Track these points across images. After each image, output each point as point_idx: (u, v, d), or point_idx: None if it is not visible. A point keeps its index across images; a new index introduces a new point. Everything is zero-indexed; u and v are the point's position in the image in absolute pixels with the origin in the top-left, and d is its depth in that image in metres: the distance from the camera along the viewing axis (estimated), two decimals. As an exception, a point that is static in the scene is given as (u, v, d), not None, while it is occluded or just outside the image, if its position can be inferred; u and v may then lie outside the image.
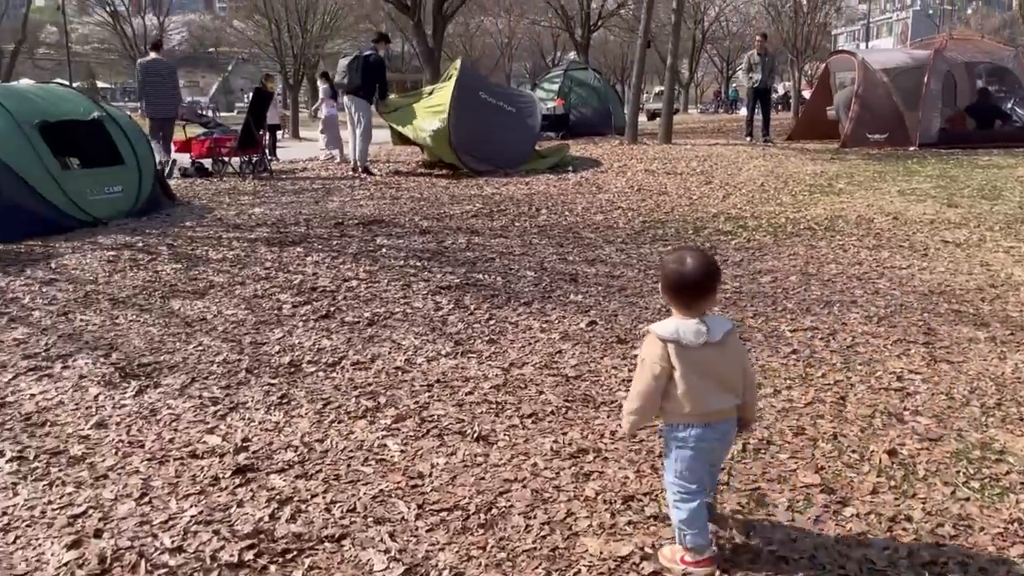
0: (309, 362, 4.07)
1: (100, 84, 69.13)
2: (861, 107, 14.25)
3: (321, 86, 15.76)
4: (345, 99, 11.78)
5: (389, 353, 4.19)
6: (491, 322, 4.71)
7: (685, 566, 2.31)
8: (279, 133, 18.31)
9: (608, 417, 3.38)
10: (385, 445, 3.14)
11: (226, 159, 11.96)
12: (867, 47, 51.50)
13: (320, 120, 15.21)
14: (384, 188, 10.40)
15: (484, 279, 5.66)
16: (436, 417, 3.39)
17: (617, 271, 5.87)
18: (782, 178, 10.54)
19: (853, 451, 3.06)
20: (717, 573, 2.32)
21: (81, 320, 4.77)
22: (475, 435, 3.21)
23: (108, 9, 41.06)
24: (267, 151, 12.96)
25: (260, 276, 5.76)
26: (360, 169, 11.82)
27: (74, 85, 41.50)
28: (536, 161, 12.04)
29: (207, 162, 12.26)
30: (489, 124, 11.50)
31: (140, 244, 6.83)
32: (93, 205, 7.66)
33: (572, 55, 35.69)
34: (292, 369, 3.97)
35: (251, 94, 12.25)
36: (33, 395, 3.64)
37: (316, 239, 7.03)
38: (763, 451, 3.07)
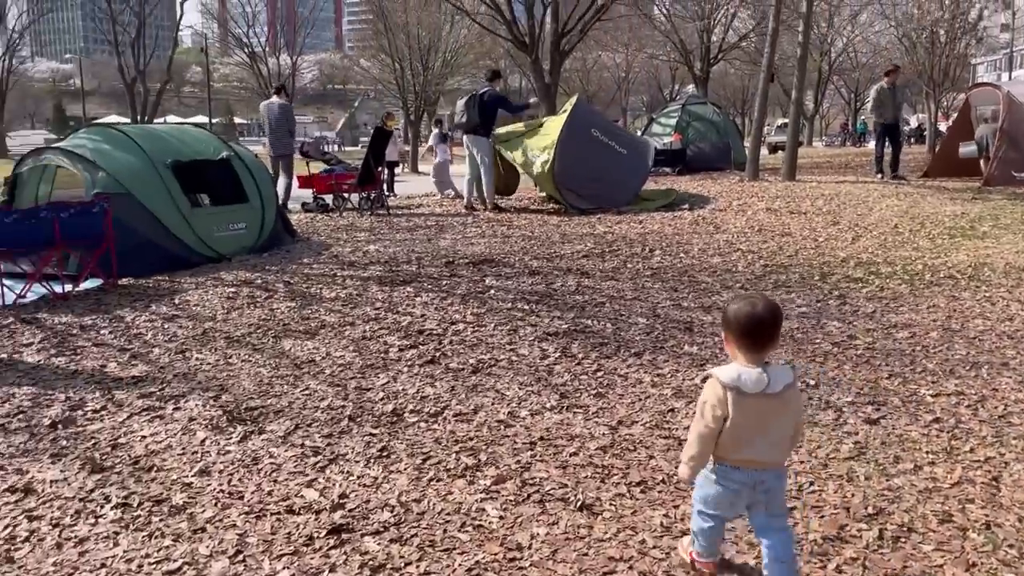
0: (411, 411, 3.98)
1: (237, 120, 73.36)
2: (1007, 143, 13.26)
3: (433, 131, 16.05)
4: (465, 139, 11.88)
5: (492, 404, 4.05)
6: (599, 374, 4.50)
7: (692, 558, 2.58)
8: (397, 169, 18.74)
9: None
10: (484, 510, 2.99)
11: (346, 195, 12.27)
12: (1010, 78, 48.44)
13: (432, 163, 15.34)
14: (496, 225, 10.38)
15: (593, 325, 5.46)
16: (538, 480, 3.21)
17: (735, 320, 5.55)
18: (918, 219, 9.87)
19: (1010, 545, 2.68)
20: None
21: (197, 359, 4.87)
22: (579, 503, 3.01)
23: (247, 50, 43.63)
24: (385, 188, 13.22)
25: (370, 317, 5.77)
26: (489, 206, 11.87)
27: (213, 121, 44.23)
28: (641, 203, 11.77)
29: (328, 198, 12.63)
30: (597, 163, 11.36)
31: (259, 281, 7.01)
32: (218, 241, 7.95)
33: (690, 88, 35.20)
34: (394, 418, 3.89)
35: (372, 131, 12.55)
36: (144, 437, 3.69)
37: (426, 278, 7.03)
38: (903, 539, 2.73)
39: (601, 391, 4.23)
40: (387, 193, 13.28)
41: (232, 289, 6.70)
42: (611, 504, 3.01)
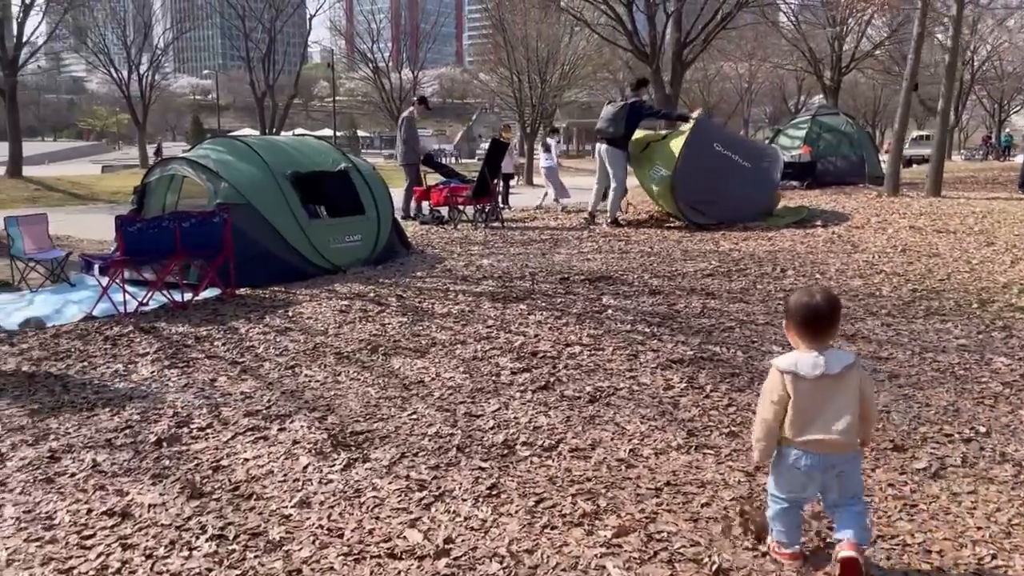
0: (523, 443, 3.67)
1: (360, 133, 75.67)
2: None
3: (549, 140, 15.78)
4: (600, 149, 11.53)
5: (612, 440, 3.70)
6: (731, 409, 4.07)
7: (774, 553, 2.63)
8: (512, 181, 18.58)
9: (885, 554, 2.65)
10: (604, 567, 2.64)
11: (461, 208, 12.17)
12: None
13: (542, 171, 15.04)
14: (613, 241, 10.00)
15: (722, 353, 5.02)
16: (666, 535, 2.84)
17: (884, 351, 4.99)
18: (1087, 240, 8.85)
19: None
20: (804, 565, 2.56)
21: (306, 375, 4.74)
22: (713, 567, 2.61)
23: (371, 65, 44.92)
24: (499, 200, 13.05)
25: (481, 335, 5.51)
26: (608, 220, 11.53)
27: (338, 134, 45.69)
28: (769, 219, 11.10)
29: (443, 210, 12.57)
30: (719, 177, 10.80)
31: (372, 294, 6.90)
32: (334, 253, 7.92)
33: (818, 99, 33.68)
34: (505, 451, 3.60)
35: (488, 142, 12.40)
36: (246, 460, 3.54)
37: (540, 295, 6.73)
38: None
39: (734, 430, 3.80)
40: (501, 205, 13.09)
41: (345, 302, 6.60)
42: (750, 569, 2.60)
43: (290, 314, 6.27)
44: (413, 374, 4.73)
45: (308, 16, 27.57)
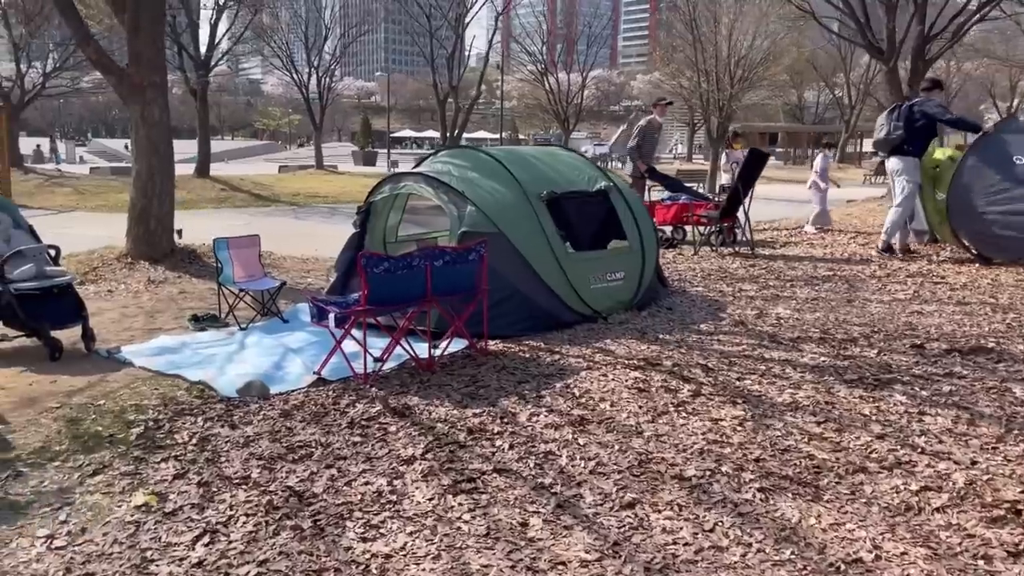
0: None
1: (520, 136, 75.11)
2: None
3: (819, 155, 13.37)
4: (888, 163, 9.46)
5: None
6: None
7: None
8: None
9: None
10: None
11: (702, 228, 10.33)
12: None
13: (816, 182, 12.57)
14: (921, 280, 7.87)
15: None
16: None
17: None
18: None
19: None
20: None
21: (662, 530, 3.07)
22: None
23: (539, 67, 43.88)
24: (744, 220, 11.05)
25: (880, 455, 3.68)
26: (882, 247, 9.43)
27: (504, 137, 44.87)
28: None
29: (667, 229, 10.78)
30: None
31: (666, 361, 5.19)
32: (594, 295, 6.31)
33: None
34: None
35: (745, 153, 10.46)
36: None
37: (908, 376, 4.81)
38: None
39: None
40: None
41: (636, 373, 4.93)
42: None
43: (574, 392, 4.66)
44: (819, 538, 2.97)
45: (496, 14, 26.64)
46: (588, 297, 6.25)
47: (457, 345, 5.56)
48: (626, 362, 5.18)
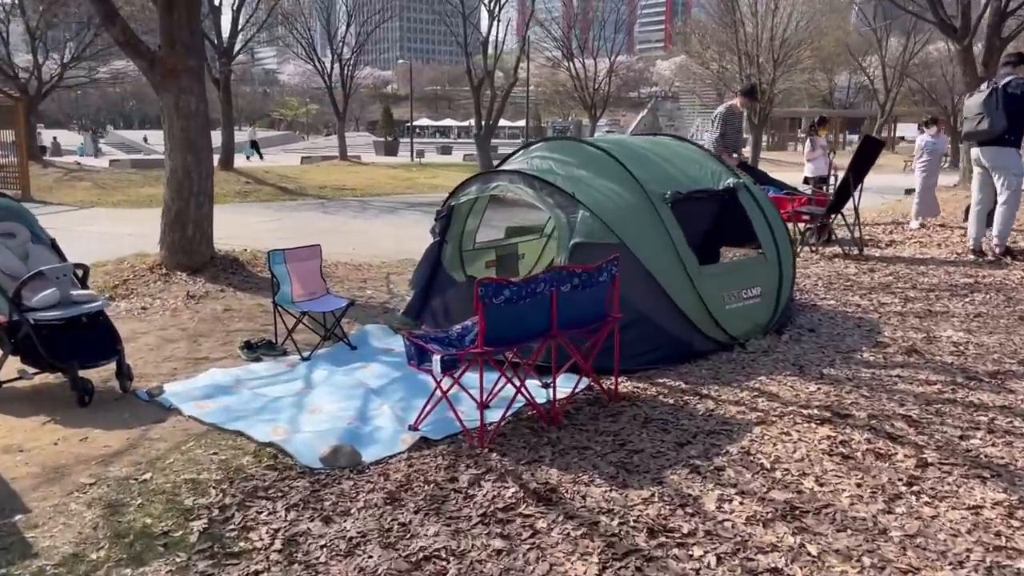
0: None
1: (541, 124, 73.70)
2: None
3: (921, 135, 11.88)
4: (976, 152, 8.28)
5: None
6: None
7: None
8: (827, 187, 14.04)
9: None
10: None
11: (801, 226, 9.18)
12: None
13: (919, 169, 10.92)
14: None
15: None
16: None
17: None
18: None
19: None
20: None
21: None
22: None
23: (563, 51, 42.69)
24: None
25: None
26: (998, 250, 8.26)
27: (528, 125, 43.70)
28: None
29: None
30: None
31: (854, 408, 4.09)
32: (729, 318, 5.20)
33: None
34: None
35: (859, 139, 9.23)
36: None
37: None
38: None
39: None
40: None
41: (824, 430, 3.83)
42: None
43: (759, 460, 3.56)
44: None
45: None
46: (723, 320, 5.14)
47: (566, 382, 4.48)
48: (803, 412, 4.08)
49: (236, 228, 12.31)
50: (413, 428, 4.01)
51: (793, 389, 4.44)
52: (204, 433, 4.10)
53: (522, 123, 44.35)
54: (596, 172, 5.23)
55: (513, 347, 3.90)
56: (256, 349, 5.51)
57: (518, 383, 4.05)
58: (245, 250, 8.61)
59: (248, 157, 36.60)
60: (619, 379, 4.56)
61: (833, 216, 8.94)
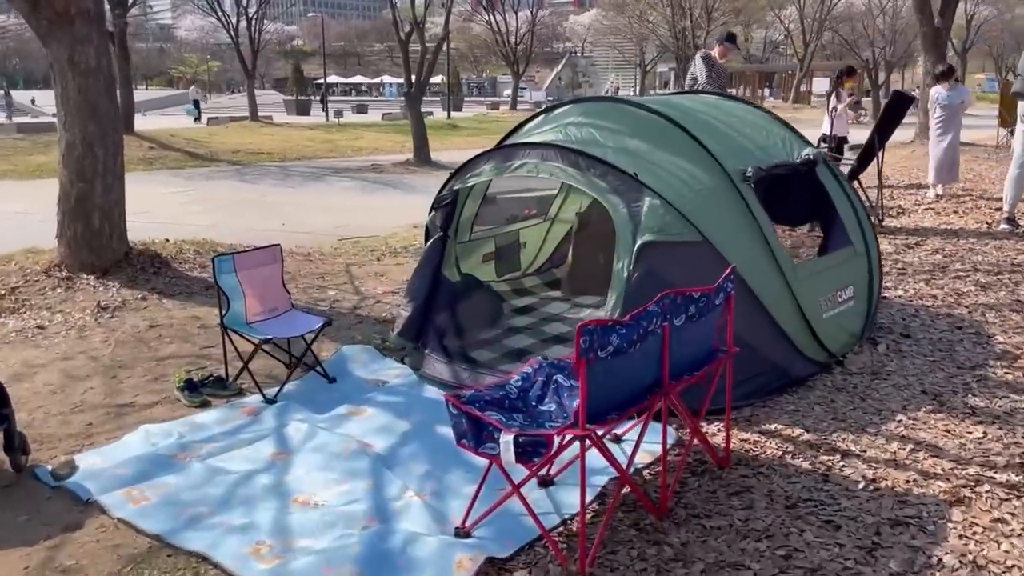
0: None
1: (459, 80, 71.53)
2: None
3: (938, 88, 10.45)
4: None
5: None
6: None
7: None
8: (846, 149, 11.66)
9: None
10: None
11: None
12: None
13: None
14: None
15: None
16: None
17: None
18: None
19: None
20: None
21: None
22: None
23: (484, 3, 40.94)
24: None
25: None
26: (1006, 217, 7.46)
27: (449, 81, 41.76)
28: None
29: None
30: None
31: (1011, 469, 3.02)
32: (827, 330, 4.07)
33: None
34: None
35: (890, 96, 8.14)
36: None
37: None
38: None
39: None
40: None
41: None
42: None
43: (974, 563, 2.44)
44: None
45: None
46: (822, 333, 4.01)
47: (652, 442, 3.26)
48: (994, 477, 2.98)
49: (145, 201, 10.59)
50: (463, 533, 2.74)
51: (951, 434, 3.35)
52: (147, 553, 2.73)
53: (438, 79, 42.39)
54: (655, 144, 3.97)
55: (620, 416, 2.63)
56: (201, 390, 4.09)
57: (610, 457, 2.80)
58: (168, 241, 7.00)
59: (196, 119, 33.88)
60: (712, 423, 3.38)
61: (854, 181, 7.93)
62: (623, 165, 3.74)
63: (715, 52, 9.13)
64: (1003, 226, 7.47)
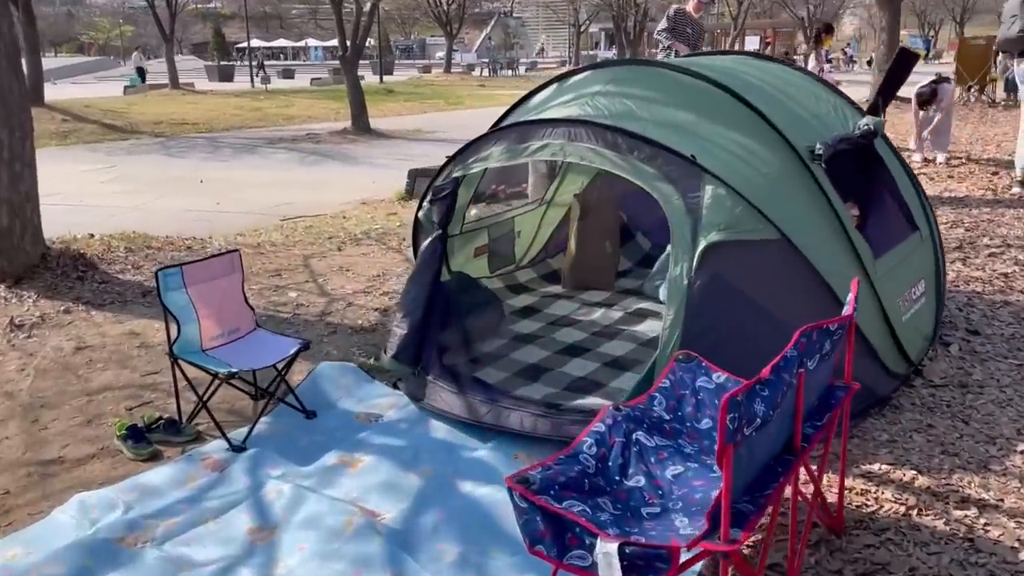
0: None
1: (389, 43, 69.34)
2: None
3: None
4: (1019, 69, 6.92)
5: None
6: None
7: None
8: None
9: None
10: None
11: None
12: None
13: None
14: None
15: None
16: None
17: None
18: None
19: None
20: None
21: None
22: None
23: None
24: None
25: None
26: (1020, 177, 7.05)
27: (380, 44, 40.09)
28: None
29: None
30: None
31: None
32: (907, 334, 3.44)
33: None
34: None
35: (897, 53, 7.52)
36: None
37: None
38: None
39: None
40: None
41: None
42: None
43: None
44: None
45: None
46: (905, 340, 3.38)
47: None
48: None
49: (60, 182, 9.48)
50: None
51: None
52: None
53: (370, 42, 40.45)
54: (706, 116, 3.25)
55: (759, 511, 1.93)
56: (149, 436, 3.25)
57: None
58: (92, 237, 6.00)
59: (135, 86, 31.54)
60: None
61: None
62: (676, 145, 3.00)
63: (690, 6, 8.51)
64: (1015, 189, 7.05)
